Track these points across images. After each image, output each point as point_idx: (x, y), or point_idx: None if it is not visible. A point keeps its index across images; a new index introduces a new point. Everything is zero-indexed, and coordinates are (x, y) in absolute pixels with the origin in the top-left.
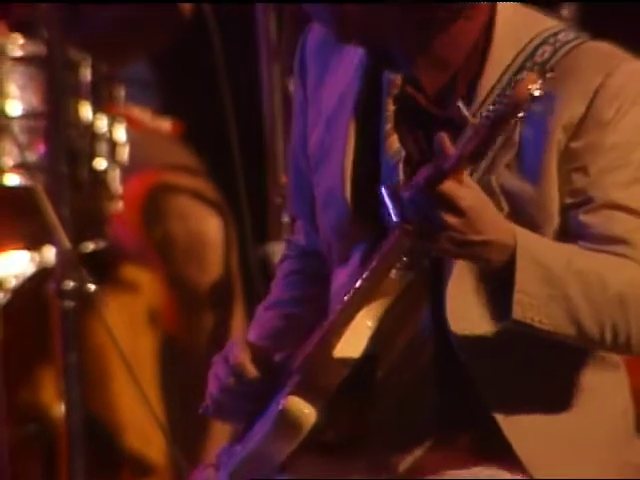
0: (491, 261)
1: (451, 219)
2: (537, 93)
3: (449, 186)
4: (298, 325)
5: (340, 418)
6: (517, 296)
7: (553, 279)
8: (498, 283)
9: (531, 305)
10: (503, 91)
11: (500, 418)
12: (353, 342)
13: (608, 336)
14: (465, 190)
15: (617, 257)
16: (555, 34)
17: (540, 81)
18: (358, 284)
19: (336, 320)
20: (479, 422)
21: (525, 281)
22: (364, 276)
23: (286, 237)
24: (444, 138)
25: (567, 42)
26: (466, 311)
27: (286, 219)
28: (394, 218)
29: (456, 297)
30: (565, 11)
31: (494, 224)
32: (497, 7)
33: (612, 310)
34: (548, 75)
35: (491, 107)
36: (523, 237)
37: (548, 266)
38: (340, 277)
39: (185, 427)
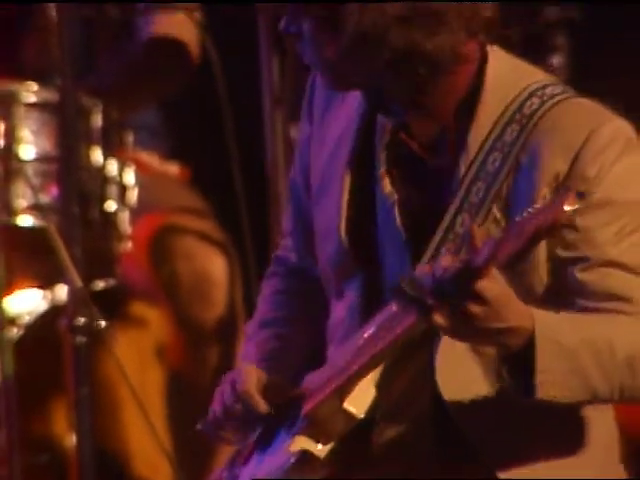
0: (509, 345)
1: (477, 309)
2: (570, 210)
3: (478, 281)
4: (289, 345)
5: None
6: (540, 376)
7: (569, 354)
8: (516, 364)
9: (552, 383)
10: (494, 143)
11: (494, 465)
12: (361, 398)
13: (616, 395)
14: (491, 283)
15: (619, 317)
16: (543, 87)
17: (578, 203)
18: (373, 351)
19: (350, 376)
20: (473, 466)
21: (545, 361)
22: (380, 346)
23: (273, 254)
24: (474, 232)
25: (554, 96)
26: (456, 375)
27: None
28: (417, 308)
29: (446, 364)
30: (555, 60)
31: (515, 311)
32: (487, 59)
33: (621, 374)
34: (582, 202)
35: (524, 214)
36: (540, 318)
37: (564, 342)
38: (337, 311)
39: (191, 455)
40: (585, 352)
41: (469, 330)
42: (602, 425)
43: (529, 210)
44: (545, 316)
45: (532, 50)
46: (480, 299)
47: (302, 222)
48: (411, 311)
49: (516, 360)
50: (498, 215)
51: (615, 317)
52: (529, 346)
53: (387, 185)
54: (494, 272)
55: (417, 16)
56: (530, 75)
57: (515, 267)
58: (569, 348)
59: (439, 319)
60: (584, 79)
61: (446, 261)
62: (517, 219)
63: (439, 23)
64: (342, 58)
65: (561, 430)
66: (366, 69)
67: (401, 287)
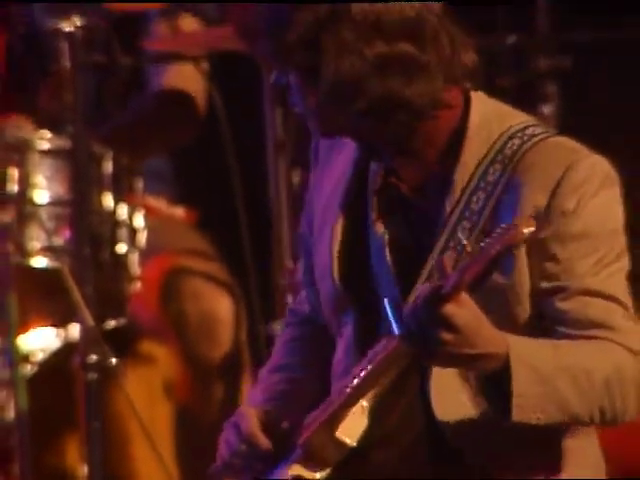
0: (486, 370)
1: (447, 336)
2: (529, 234)
3: (447, 306)
4: (301, 389)
5: None
6: (516, 400)
7: (545, 379)
8: (494, 387)
9: (528, 406)
10: (478, 183)
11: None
12: (352, 426)
13: (596, 417)
14: (461, 309)
15: (600, 342)
16: (524, 129)
17: (534, 225)
18: (360, 379)
19: (341, 405)
20: None
21: (521, 385)
22: (365, 373)
23: (289, 306)
24: (445, 261)
25: (534, 136)
26: (450, 396)
27: (290, 299)
28: (396, 331)
29: (440, 384)
30: (546, 109)
31: (488, 337)
32: (471, 102)
33: (599, 397)
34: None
35: (487, 239)
36: (515, 344)
37: (539, 368)
38: (338, 348)
39: None
40: (561, 377)
41: (442, 355)
42: (589, 448)
43: (492, 235)
44: (521, 342)
45: (524, 98)
46: (451, 326)
47: (312, 272)
48: (393, 339)
49: (493, 384)
50: None
51: (594, 342)
52: (505, 370)
53: (379, 226)
54: (465, 299)
55: (394, 64)
56: (512, 117)
57: (480, 287)
58: (545, 373)
59: (415, 344)
60: (574, 127)
61: (422, 289)
62: (481, 244)
63: (417, 70)
64: (323, 106)
65: (551, 450)
66: (346, 116)
67: (386, 312)
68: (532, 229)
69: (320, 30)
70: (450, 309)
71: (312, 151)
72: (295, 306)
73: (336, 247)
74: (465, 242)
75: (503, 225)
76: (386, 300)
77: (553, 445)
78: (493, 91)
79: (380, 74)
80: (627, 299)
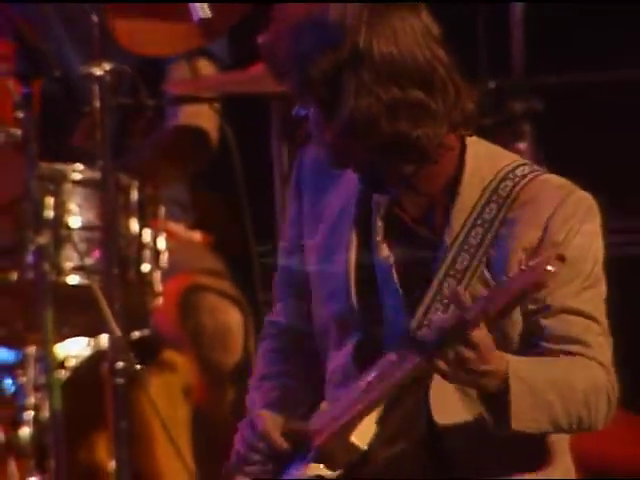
0: (488, 386)
1: (469, 353)
2: (552, 270)
3: (474, 332)
4: (291, 394)
5: None
6: (514, 412)
7: (537, 392)
8: (493, 400)
9: (524, 417)
10: (475, 221)
11: (474, 476)
12: (365, 432)
13: (574, 426)
14: (479, 330)
15: (577, 358)
16: (514, 169)
17: (556, 262)
18: (377, 390)
19: (357, 413)
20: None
21: (517, 399)
22: (383, 386)
23: (265, 318)
24: (459, 292)
25: (524, 176)
26: (447, 402)
27: None
28: (421, 353)
29: (438, 392)
30: (521, 145)
31: (496, 355)
32: (466, 146)
33: (579, 408)
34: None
35: (512, 274)
36: (512, 362)
37: (533, 383)
38: (336, 359)
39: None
40: (550, 391)
41: (462, 372)
42: (564, 454)
43: (517, 270)
44: (516, 360)
45: (502, 136)
46: (472, 345)
47: (295, 287)
48: (411, 359)
49: (493, 398)
50: (489, 276)
51: (573, 359)
52: (504, 386)
53: (384, 250)
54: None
55: (405, 108)
56: (502, 158)
57: (503, 320)
58: (537, 387)
59: (440, 364)
60: (546, 160)
61: (439, 319)
62: (505, 278)
63: (425, 116)
64: (337, 139)
65: (530, 452)
66: (357, 150)
67: (406, 340)
68: (555, 268)
69: (342, 69)
70: (476, 334)
71: (293, 186)
72: (272, 318)
73: (352, 272)
74: (489, 277)
75: (530, 263)
76: (410, 329)
77: (538, 446)
78: (475, 130)
79: (391, 116)
80: (603, 318)
